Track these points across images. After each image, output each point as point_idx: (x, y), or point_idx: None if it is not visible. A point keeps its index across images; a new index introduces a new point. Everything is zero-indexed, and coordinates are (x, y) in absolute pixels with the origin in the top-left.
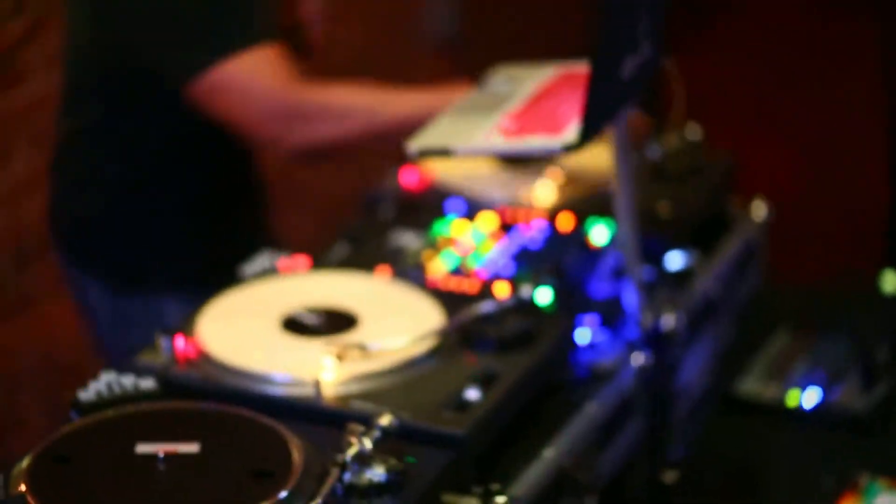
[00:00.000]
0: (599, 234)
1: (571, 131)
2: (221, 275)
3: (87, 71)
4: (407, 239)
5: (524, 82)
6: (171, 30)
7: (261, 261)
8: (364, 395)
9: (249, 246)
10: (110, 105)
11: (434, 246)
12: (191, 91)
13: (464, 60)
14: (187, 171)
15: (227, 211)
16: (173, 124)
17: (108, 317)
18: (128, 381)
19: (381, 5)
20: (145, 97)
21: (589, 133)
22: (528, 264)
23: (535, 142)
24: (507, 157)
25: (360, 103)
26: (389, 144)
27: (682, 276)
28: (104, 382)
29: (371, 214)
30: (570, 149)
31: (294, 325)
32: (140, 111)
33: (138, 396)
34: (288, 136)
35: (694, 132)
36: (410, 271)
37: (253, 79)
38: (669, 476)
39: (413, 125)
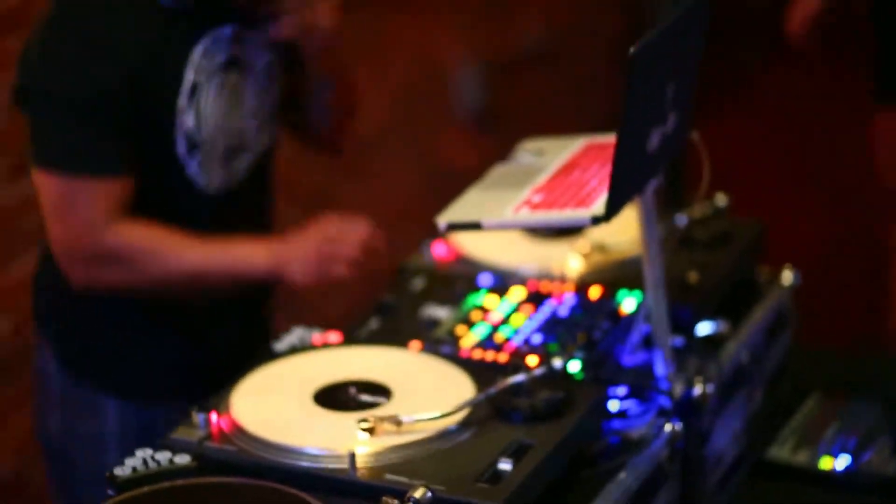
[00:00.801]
0: (629, 303)
1: (599, 203)
2: (202, 384)
3: None
4: (438, 312)
5: (552, 155)
6: (39, 124)
7: (293, 336)
8: (398, 468)
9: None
10: None
11: (465, 318)
12: (33, 176)
13: (493, 133)
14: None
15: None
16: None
17: (60, 399)
18: (163, 456)
19: (412, 77)
20: None
21: (616, 205)
22: (559, 335)
23: (564, 215)
24: (536, 229)
25: (151, 259)
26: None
27: (712, 344)
28: (140, 458)
29: (402, 288)
30: (598, 221)
31: (327, 399)
32: None
33: (174, 472)
34: (70, 271)
35: (721, 200)
36: (442, 344)
37: (78, 206)
38: None
39: (208, 279)
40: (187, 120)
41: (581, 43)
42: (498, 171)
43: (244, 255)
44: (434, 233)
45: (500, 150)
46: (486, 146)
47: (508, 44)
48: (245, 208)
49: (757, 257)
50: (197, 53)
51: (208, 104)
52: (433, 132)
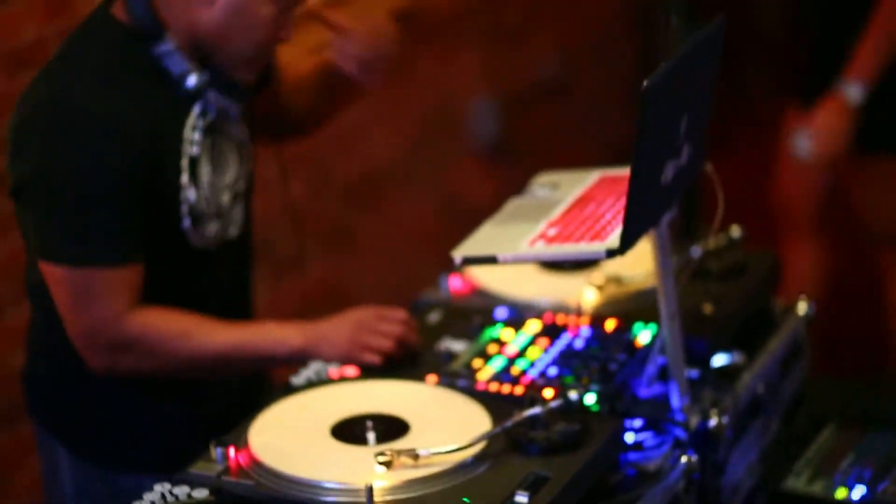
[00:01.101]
0: (644, 335)
1: (614, 237)
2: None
3: None
4: (455, 345)
5: (567, 188)
6: (47, 217)
7: (310, 370)
8: (415, 502)
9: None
10: None
11: (482, 351)
12: (42, 268)
13: (508, 164)
14: None
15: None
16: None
17: (73, 487)
18: (181, 491)
19: (427, 108)
20: None
21: (631, 238)
22: (575, 367)
23: (579, 248)
24: (551, 262)
25: (168, 343)
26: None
27: (728, 375)
28: (158, 493)
29: (419, 321)
30: (612, 254)
31: (344, 433)
32: None
33: None
34: (90, 358)
35: (735, 232)
36: (459, 377)
37: (95, 298)
38: None
39: (235, 363)
40: (189, 195)
41: (595, 74)
42: (513, 205)
43: (275, 336)
44: (450, 265)
45: (515, 182)
46: (500, 177)
47: (522, 76)
48: (235, 261)
49: (771, 288)
50: (188, 127)
51: (204, 174)
52: (448, 164)
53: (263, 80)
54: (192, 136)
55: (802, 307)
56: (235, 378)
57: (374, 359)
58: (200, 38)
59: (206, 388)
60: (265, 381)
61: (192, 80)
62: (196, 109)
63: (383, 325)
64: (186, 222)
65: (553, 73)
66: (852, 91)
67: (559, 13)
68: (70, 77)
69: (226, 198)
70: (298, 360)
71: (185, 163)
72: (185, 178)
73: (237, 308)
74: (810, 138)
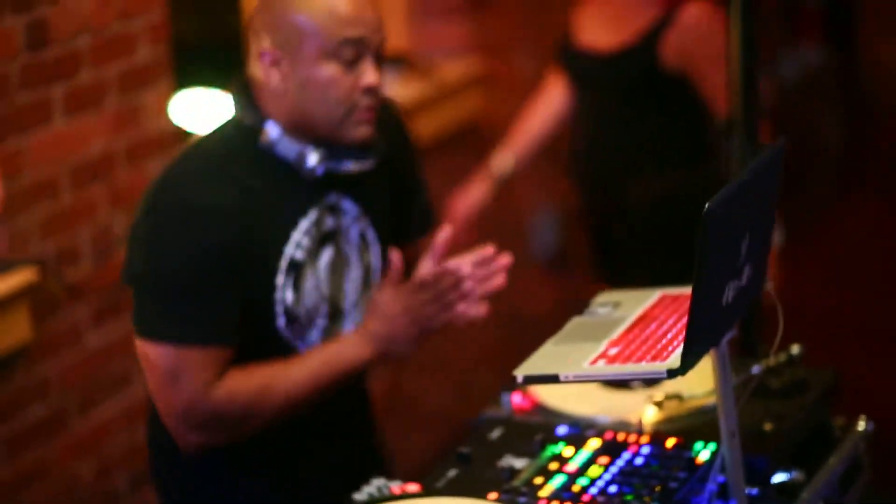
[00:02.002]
0: (704, 453)
1: (674, 357)
2: None
3: None
4: (516, 462)
5: (627, 308)
6: (149, 299)
7: (372, 486)
8: None
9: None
10: None
11: (543, 468)
12: (138, 347)
13: (566, 278)
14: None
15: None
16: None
17: None
18: None
19: (489, 220)
20: None
21: (691, 359)
22: (635, 485)
23: (639, 368)
24: (612, 382)
25: (256, 400)
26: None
27: (787, 493)
28: None
29: (481, 437)
30: (673, 375)
31: None
32: None
33: None
34: (182, 439)
35: (795, 349)
36: (520, 494)
37: (186, 374)
38: None
39: (311, 395)
40: (287, 296)
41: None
42: (575, 324)
43: (345, 351)
44: (511, 380)
45: (574, 294)
46: (560, 289)
47: None
48: None
49: (831, 406)
50: (297, 233)
51: (308, 281)
52: (508, 275)
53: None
54: (301, 240)
55: (861, 425)
56: (324, 449)
57: (442, 319)
58: (292, 122)
59: (293, 457)
60: (374, 461)
61: (311, 160)
62: (313, 213)
63: (419, 291)
64: (281, 320)
65: None
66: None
67: None
68: (180, 169)
69: (338, 306)
70: (378, 363)
71: (283, 264)
72: (281, 278)
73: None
74: None
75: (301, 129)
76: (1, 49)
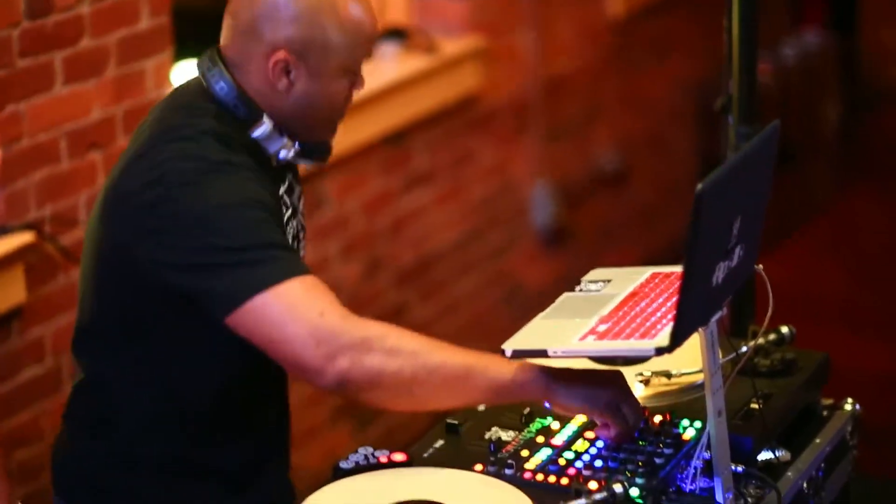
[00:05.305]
0: (690, 430)
1: (663, 335)
2: None
3: (111, 308)
4: (503, 434)
5: (618, 285)
6: (208, 269)
7: (359, 455)
8: None
9: None
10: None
11: (530, 441)
12: (231, 322)
13: (563, 251)
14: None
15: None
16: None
17: None
18: None
19: (487, 193)
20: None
21: (680, 337)
22: (621, 460)
23: (628, 345)
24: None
25: (408, 344)
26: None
27: (772, 471)
28: None
29: (470, 409)
30: (661, 352)
31: None
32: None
33: None
34: (330, 364)
35: (785, 330)
36: (506, 466)
37: (294, 307)
38: None
39: (463, 384)
40: None
41: (653, 166)
42: (565, 300)
43: (500, 362)
44: (501, 352)
45: (572, 268)
46: (558, 264)
47: (582, 164)
48: None
49: (819, 388)
50: (283, 193)
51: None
52: (506, 249)
53: None
54: (285, 200)
55: (849, 407)
56: (280, 471)
57: (624, 423)
58: (281, 120)
59: (252, 478)
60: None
61: (283, 154)
62: (284, 185)
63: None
64: None
65: (612, 163)
66: None
67: (620, 105)
68: (195, 140)
69: None
70: (532, 396)
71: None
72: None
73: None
74: None
75: (283, 126)
76: (2, 16)
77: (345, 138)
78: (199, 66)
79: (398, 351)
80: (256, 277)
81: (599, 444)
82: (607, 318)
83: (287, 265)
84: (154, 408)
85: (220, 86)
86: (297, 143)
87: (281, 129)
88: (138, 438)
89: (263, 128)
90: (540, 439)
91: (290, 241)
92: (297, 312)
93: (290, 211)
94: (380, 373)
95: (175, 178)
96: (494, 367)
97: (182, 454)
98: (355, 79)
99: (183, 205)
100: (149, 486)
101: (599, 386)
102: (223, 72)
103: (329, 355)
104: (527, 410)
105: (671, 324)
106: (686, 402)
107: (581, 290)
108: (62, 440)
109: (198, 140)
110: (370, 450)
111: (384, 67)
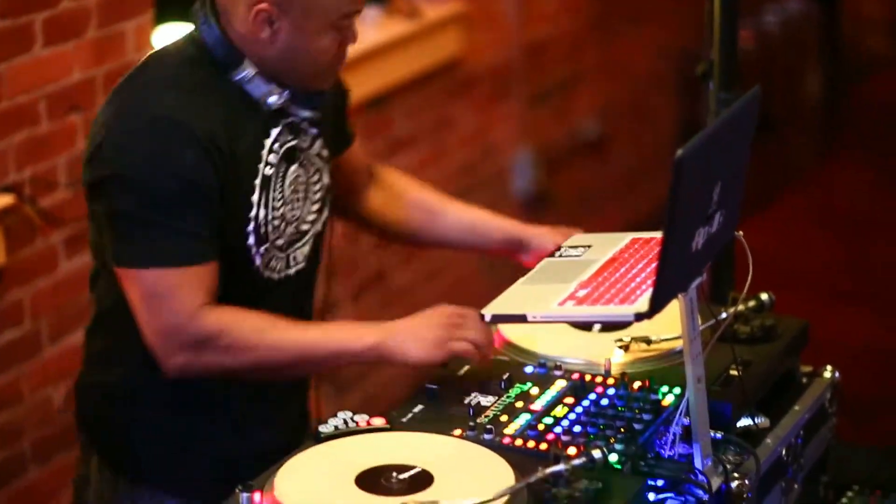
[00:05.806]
0: (670, 396)
1: (643, 300)
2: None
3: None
4: (482, 399)
5: (598, 250)
6: (124, 220)
7: (338, 419)
8: None
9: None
10: None
11: (509, 406)
12: (118, 273)
13: (544, 217)
14: None
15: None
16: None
17: (97, 500)
18: None
19: (468, 159)
20: None
21: (660, 303)
22: (600, 426)
23: (608, 310)
24: (580, 323)
25: (247, 339)
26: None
27: (751, 438)
28: None
29: (448, 374)
30: (641, 318)
31: (369, 483)
32: None
33: None
34: (168, 359)
35: (765, 297)
36: (485, 431)
37: (151, 296)
38: None
39: (311, 359)
40: (259, 213)
41: (634, 132)
42: (545, 265)
43: (350, 334)
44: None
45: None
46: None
47: (563, 130)
48: (297, 292)
49: (799, 355)
50: (267, 146)
51: (276, 198)
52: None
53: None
54: (268, 158)
55: (828, 374)
56: (281, 416)
57: (465, 347)
58: (269, 68)
59: (254, 423)
60: (307, 426)
61: (272, 100)
62: (275, 132)
63: (467, 318)
64: (251, 239)
65: (593, 128)
66: None
67: (601, 71)
68: (151, 88)
69: (297, 230)
70: (374, 357)
71: (258, 182)
72: (255, 195)
73: None
74: None
75: (271, 75)
76: None
77: None
78: (192, 9)
79: (233, 348)
80: (134, 253)
81: (579, 409)
82: (587, 284)
83: (171, 250)
84: None
85: (204, 28)
86: (286, 91)
87: (269, 76)
88: (140, 371)
89: (245, 72)
90: (519, 404)
91: (287, 193)
92: (151, 302)
93: (277, 162)
94: (217, 368)
95: (111, 139)
96: (335, 342)
97: (184, 388)
98: (346, 33)
99: (110, 163)
100: (153, 420)
101: (426, 334)
102: (209, 15)
103: (168, 351)
104: (506, 375)
105: (651, 289)
106: (665, 368)
107: (561, 256)
108: (80, 376)
109: (151, 89)
110: (349, 414)
111: (366, 32)
